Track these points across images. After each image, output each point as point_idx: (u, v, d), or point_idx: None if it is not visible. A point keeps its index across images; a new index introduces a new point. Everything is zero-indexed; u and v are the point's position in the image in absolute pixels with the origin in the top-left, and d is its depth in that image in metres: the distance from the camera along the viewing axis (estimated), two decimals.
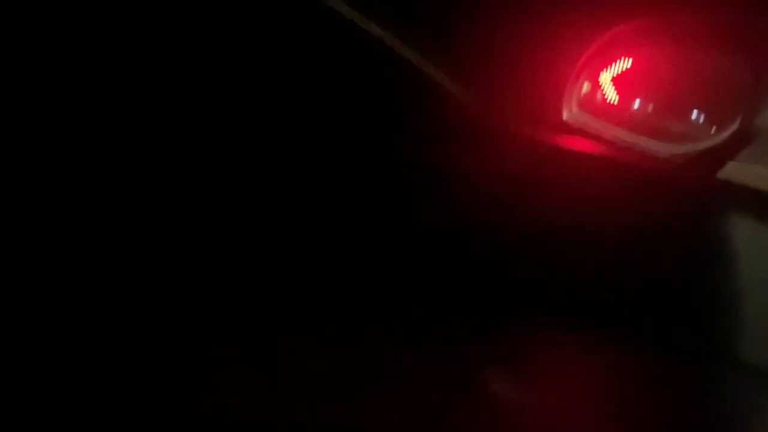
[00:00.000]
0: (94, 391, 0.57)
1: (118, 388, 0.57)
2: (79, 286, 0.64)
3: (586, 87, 1.00)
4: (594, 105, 1.00)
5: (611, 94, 1.00)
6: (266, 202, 0.84)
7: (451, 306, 0.91)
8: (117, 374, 0.58)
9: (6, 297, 0.60)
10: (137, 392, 0.57)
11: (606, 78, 1.00)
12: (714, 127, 0.98)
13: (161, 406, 0.56)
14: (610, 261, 0.96)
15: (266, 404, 0.59)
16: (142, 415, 0.56)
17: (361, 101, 0.92)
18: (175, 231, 0.74)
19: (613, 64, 0.99)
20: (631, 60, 0.98)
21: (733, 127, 0.95)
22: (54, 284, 0.63)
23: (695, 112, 1.00)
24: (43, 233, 0.66)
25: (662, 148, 0.98)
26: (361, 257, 0.89)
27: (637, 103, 1.01)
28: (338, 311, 0.79)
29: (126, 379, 0.58)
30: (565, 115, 0.99)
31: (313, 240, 0.87)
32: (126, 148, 0.72)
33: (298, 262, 0.84)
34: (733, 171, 0.97)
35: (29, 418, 0.55)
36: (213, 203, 0.78)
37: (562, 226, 0.97)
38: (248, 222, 0.81)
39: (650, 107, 1.01)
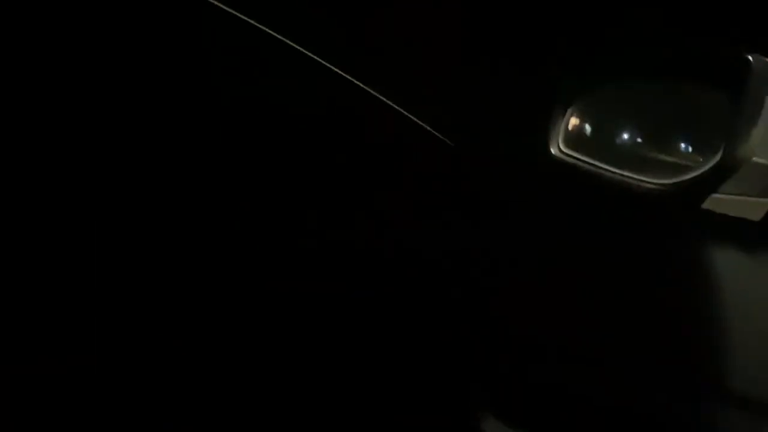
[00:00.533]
0: (94, 391, 0.57)
1: (118, 388, 0.57)
2: (79, 286, 0.64)
3: (572, 122, 1.03)
4: (580, 140, 1.03)
5: (596, 129, 1.03)
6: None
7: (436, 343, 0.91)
8: (117, 374, 0.58)
9: (6, 297, 0.60)
10: (137, 392, 0.57)
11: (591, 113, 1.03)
12: (698, 158, 1.00)
13: (162, 406, 0.56)
14: (596, 294, 0.97)
15: (266, 405, 0.59)
16: (143, 415, 0.56)
17: (348, 148, 0.94)
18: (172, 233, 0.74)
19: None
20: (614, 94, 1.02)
21: (716, 159, 0.98)
22: (54, 284, 0.63)
23: (679, 145, 1.03)
24: (44, 234, 0.66)
25: (648, 181, 1.01)
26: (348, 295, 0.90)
27: (622, 136, 1.04)
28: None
29: (126, 379, 0.58)
30: (552, 152, 1.02)
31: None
32: (124, 151, 0.73)
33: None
34: (717, 203, 0.99)
35: (29, 418, 0.55)
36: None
37: (548, 261, 0.98)
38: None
39: (636, 140, 1.04)
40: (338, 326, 0.78)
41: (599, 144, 1.04)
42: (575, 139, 1.02)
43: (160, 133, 0.74)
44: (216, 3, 0.78)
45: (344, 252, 0.84)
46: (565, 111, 1.01)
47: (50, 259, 0.64)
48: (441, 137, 0.96)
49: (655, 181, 1.00)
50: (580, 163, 1.02)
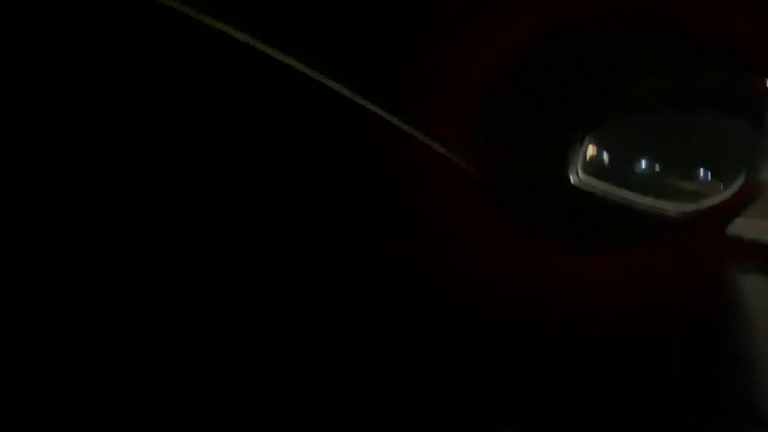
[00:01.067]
0: (94, 391, 0.55)
1: (118, 387, 0.56)
2: (79, 285, 0.63)
3: (591, 151, 1.03)
4: (600, 168, 1.03)
5: (616, 156, 1.03)
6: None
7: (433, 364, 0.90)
8: (117, 374, 0.57)
9: (7, 297, 0.59)
10: (137, 392, 0.56)
11: (610, 141, 1.03)
12: (719, 185, 1.00)
13: (162, 406, 0.55)
14: (621, 320, 0.96)
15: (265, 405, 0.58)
16: (142, 414, 0.55)
17: (368, 175, 0.94)
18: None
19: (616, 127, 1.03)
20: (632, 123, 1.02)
21: (738, 183, 0.97)
22: (54, 284, 0.62)
23: (700, 170, 1.02)
24: (44, 235, 0.65)
25: (670, 207, 1.00)
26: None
27: (642, 164, 1.04)
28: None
29: (126, 379, 0.57)
30: (572, 180, 1.02)
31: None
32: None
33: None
34: (741, 226, 0.98)
35: (29, 418, 0.53)
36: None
37: (570, 286, 0.97)
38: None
39: (655, 168, 1.04)
40: (338, 328, 0.77)
41: (619, 171, 1.03)
42: (595, 167, 1.02)
43: (162, 138, 0.74)
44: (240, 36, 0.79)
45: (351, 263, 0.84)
46: (585, 139, 1.01)
47: (50, 260, 0.63)
48: (466, 165, 0.96)
49: (675, 208, 1.00)
50: (600, 191, 1.02)
